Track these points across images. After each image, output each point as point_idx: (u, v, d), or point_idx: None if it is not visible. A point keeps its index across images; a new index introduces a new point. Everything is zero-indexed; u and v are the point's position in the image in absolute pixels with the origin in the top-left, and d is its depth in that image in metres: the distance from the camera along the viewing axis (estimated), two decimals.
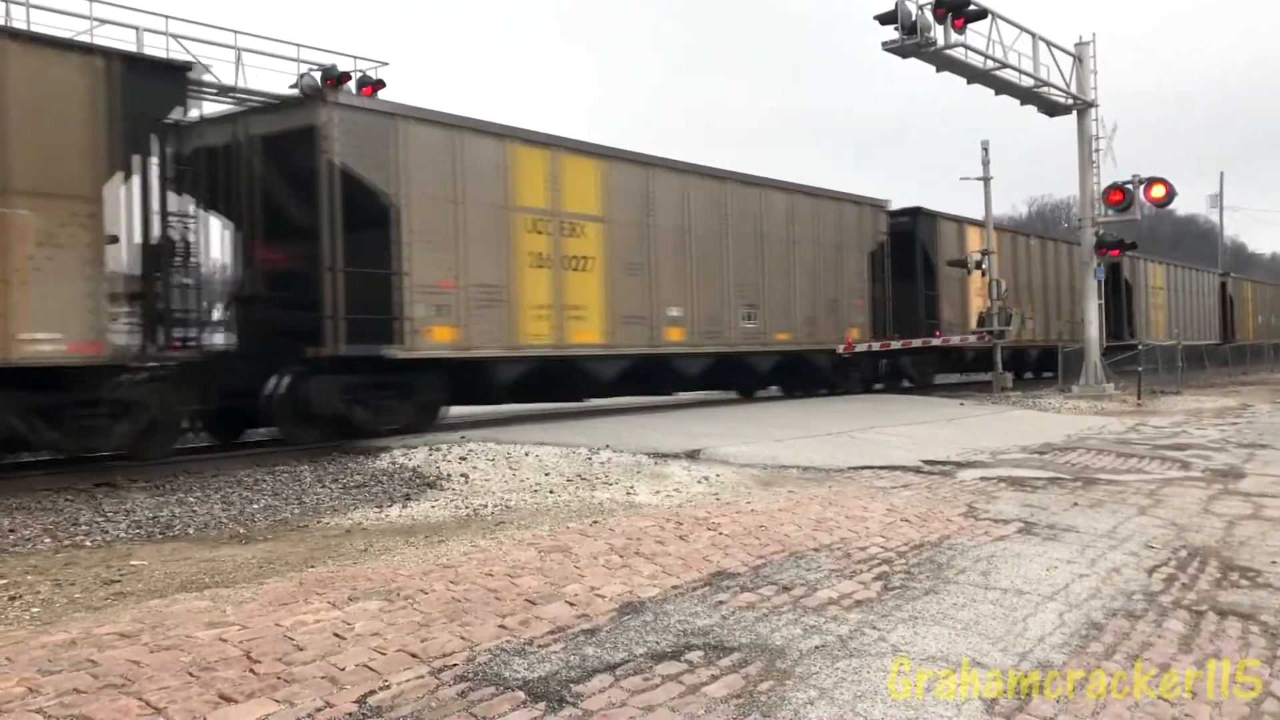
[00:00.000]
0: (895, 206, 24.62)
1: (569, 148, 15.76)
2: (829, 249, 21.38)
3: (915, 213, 24.95)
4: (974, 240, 26.24)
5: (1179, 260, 40.29)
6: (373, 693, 3.89)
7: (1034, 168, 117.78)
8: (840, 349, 21.69)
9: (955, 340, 25.16)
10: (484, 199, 14.16)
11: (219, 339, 13.36)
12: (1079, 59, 24.62)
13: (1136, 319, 34.12)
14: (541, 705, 3.84)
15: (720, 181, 18.81)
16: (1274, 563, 6.63)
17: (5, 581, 5.93)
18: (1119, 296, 32.98)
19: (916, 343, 23.86)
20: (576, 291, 15.51)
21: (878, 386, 23.45)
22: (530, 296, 14.73)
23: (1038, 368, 31.15)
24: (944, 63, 21.04)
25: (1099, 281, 25.58)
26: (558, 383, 15.88)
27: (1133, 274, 34.43)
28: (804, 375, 21.24)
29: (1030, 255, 29.82)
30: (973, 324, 25.70)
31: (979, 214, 26.89)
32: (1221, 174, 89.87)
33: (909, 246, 24.41)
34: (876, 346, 22.75)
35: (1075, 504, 8.69)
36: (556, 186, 15.25)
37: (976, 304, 25.97)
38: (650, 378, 17.59)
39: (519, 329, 14.51)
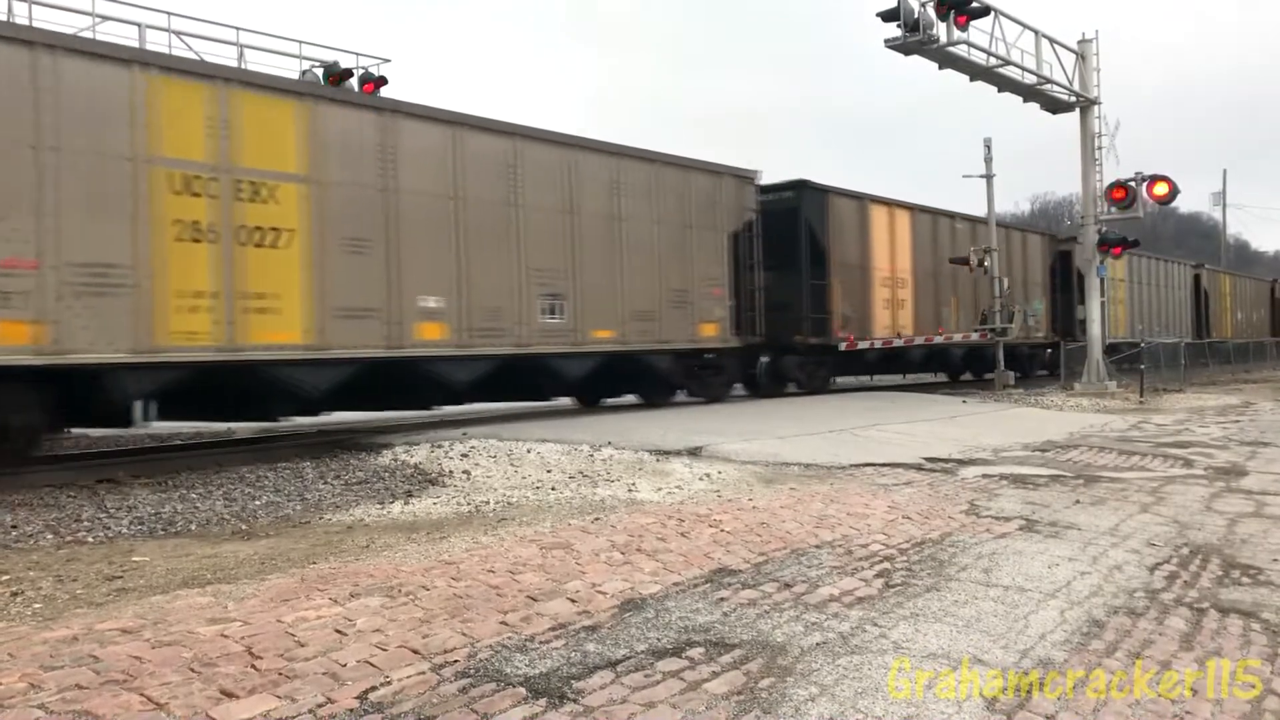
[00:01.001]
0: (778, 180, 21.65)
1: (246, 82, 11.98)
2: (672, 228, 17.40)
3: (800, 187, 21.51)
4: (880, 221, 23.26)
5: (1146, 251, 37.77)
6: (374, 689, 3.89)
7: (1036, 165, 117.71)
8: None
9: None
10: (95, 147, 10.35)
11: None
12: (1082, 56, 24.59)
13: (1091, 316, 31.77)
14: (543, 702, 3.85)
15: (507, 138, 14.64)
16: (1275, 560, 6.62)
17: (8, 578, 5.94)
18: (1070, 290, 30.54)
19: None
20: (260, 275, 11.60)
21: (741, 392, 20.83)
22: (179, 281, 10.91)
23: (967, 367, 28.33)
24: (946, 60, 21.03)
25: (1055, 274, 25.69)
26: (238, 396, 12.11)
27: (1090, 264, 31.98)
28: (640, 381, 17.81)
29: (955, 239, 25.73)
30: (877, 320, 22.80)
31: (981, 210, 26.85)
32: (1225, 171, 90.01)
33: (791, 227, 20.99)
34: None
35: (1077, 501, 8.69)
36: (227, 133, 11.39)
37: (883, 297, 23.03)
38: (398, 388, 13.70)
39: (159, 325, 10.74)
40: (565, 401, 18.09)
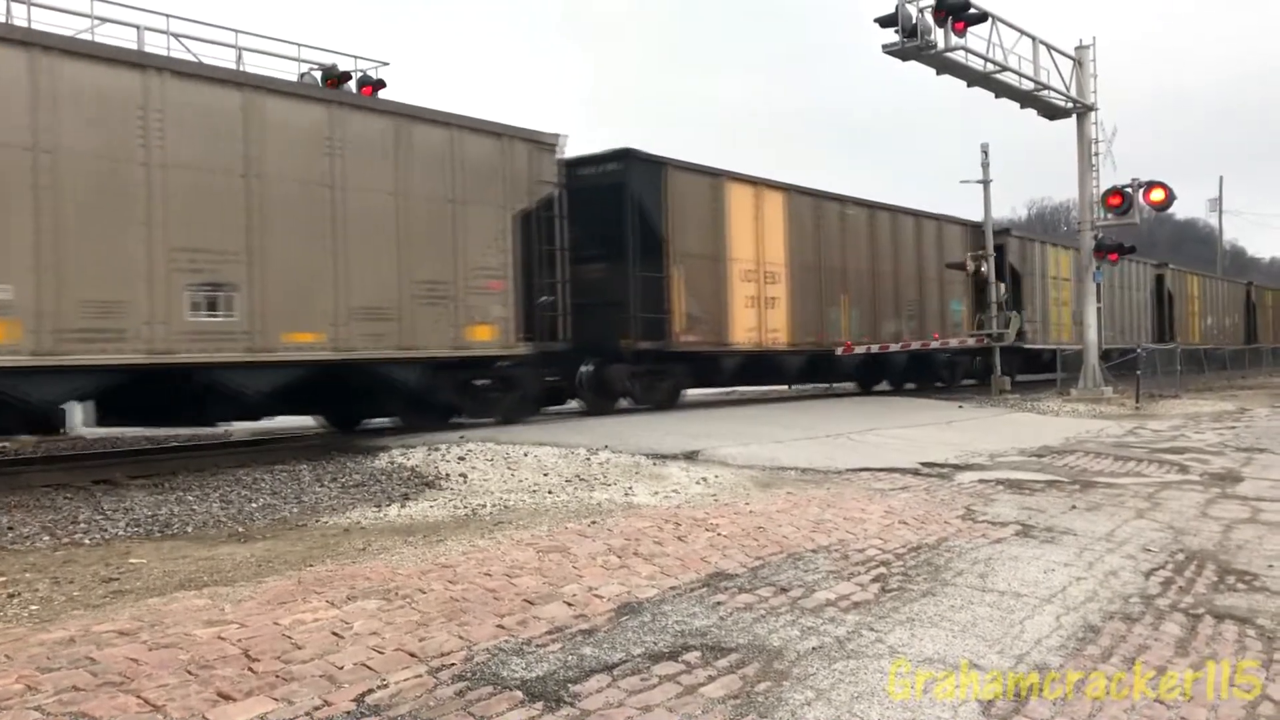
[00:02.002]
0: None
1: None
2: (426, 202, 13.27)
3: (625, 157, 17.22)
4: (742, 203, 19.28)
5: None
6: (371, 691, 3.90)
7: (1033, 170, 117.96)
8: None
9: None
10: None
11: None
12: (1079, 62, 24.66)
13: (1028, 317, 27.68)
14: (539, 705, 3.86)
15: (135, 71, 10.60)
16: (1271, 566, 6.64)
17: (4, 579, 5.94)
18: (1014, 287, 27.41)
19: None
20: None
21: (551, 410, 16.93)
22: None
23: (855, 376, 24.40)
24: (944, 66, 21.06)
25: (1001, 275, 25.40)
26: None
27: (1024, 260, 28.39)
28: (386, 399, 13.82)
29: (846, 228, 22.24)
30: (736, 323, 18.86)
31: (978, 214, 26.84)
32: (1221, 178, 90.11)
33: (615, 208, 16.92)
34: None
35: (1073, 507, 8.70)
36: None
37: (746, 294, 19.19)
38: None
39: None
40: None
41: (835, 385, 25.49)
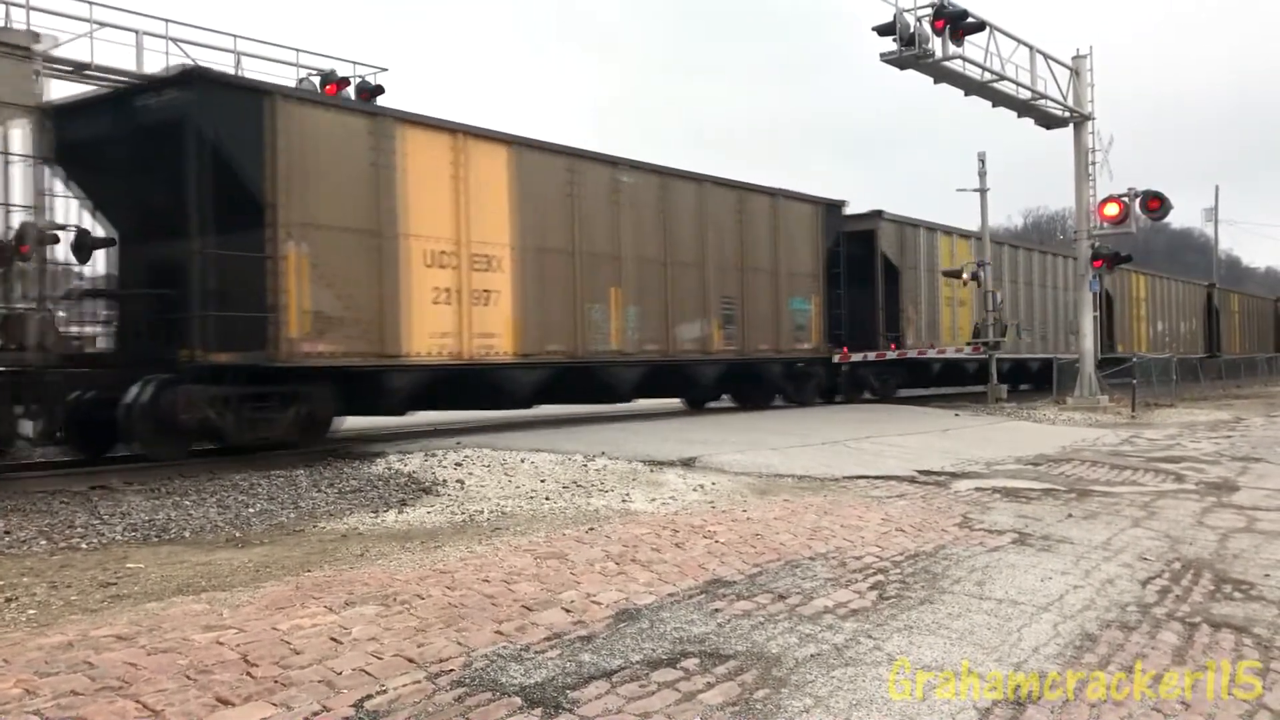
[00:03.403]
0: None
1: None
2: None
3: (193, 81, 11.88)
4: (429, 158, 13.85)
5: (1028, 241, 30.42)
6: (370, 697, 3.90)
7: (1030, 178, 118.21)
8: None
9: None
10: None
11: None
12: (1076, 72, 24.72)
13: (903, 318, 23.71)
14: (538, 711, 3.86)
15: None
16: (1267, 575, 6.65)
17: (1, 583, 5.93)
18: (868, 285, 23.25)
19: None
20: None
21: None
22: None
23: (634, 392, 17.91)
24: (942, 75, 21.13)
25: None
26: None
27: (900, 252, 23.84)
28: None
29: (621, 200, 16.77)
30: (418, 323, 13.47)
31: (974, 224, 26.84)
32: (1216, 188, 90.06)
33: (174, 156, 11.58)
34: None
35: (1070, 515, 8.71)
36: None
37: (436, 284, 13.76)
38: None
39: None
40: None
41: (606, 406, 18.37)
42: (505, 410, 16.41)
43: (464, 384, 14.68)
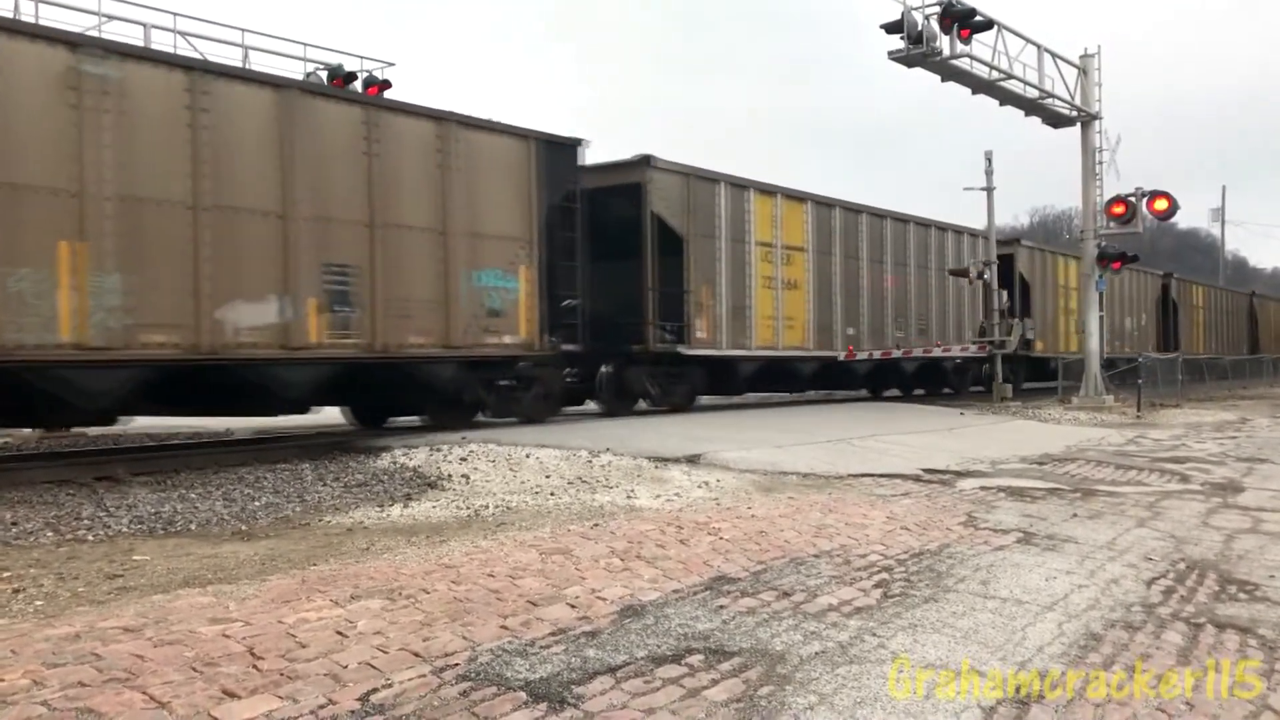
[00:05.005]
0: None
1: None
2: None
3: None
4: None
5: (936, 217, 26.04)
6: (375, 690, 3.91)
7: (1036, 177, 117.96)
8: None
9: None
10: None
11: None
12: (1084, 71, 24.67)
13: (690, 303, 18.17)
14: (543, 706, 3.87)
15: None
16: (1272, 576, 6.65)
17: (9, 574, 5.95)
18: (633, 258, 17.62)
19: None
20: None
21: None
22: None
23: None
24: (949, 73, 21.09)
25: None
26: None
27: (687, 215, 18.17)
28: None
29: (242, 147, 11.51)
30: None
31: (980, 223, 26.75)
32: (1224, 188, 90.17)
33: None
34: (878, 355, 22.77)
35: (1074, 515, 8.71)
36: None
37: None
38: None
39: None
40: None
41: None
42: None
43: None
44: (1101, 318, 26.02)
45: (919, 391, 26.31)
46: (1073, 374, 26.07)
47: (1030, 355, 28.27)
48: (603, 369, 17.47)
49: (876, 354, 22.75)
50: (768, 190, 20.49)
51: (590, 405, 18.33)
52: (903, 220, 24.83)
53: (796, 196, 21.28)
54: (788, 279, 20.81)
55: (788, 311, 20.75)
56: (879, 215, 23.94)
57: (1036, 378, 29.71)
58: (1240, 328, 47.64)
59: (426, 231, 13.57)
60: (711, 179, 19.02)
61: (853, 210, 23.09)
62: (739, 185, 19.68)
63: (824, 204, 22.10)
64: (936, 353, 24.44)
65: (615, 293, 17.24)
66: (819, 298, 21.64)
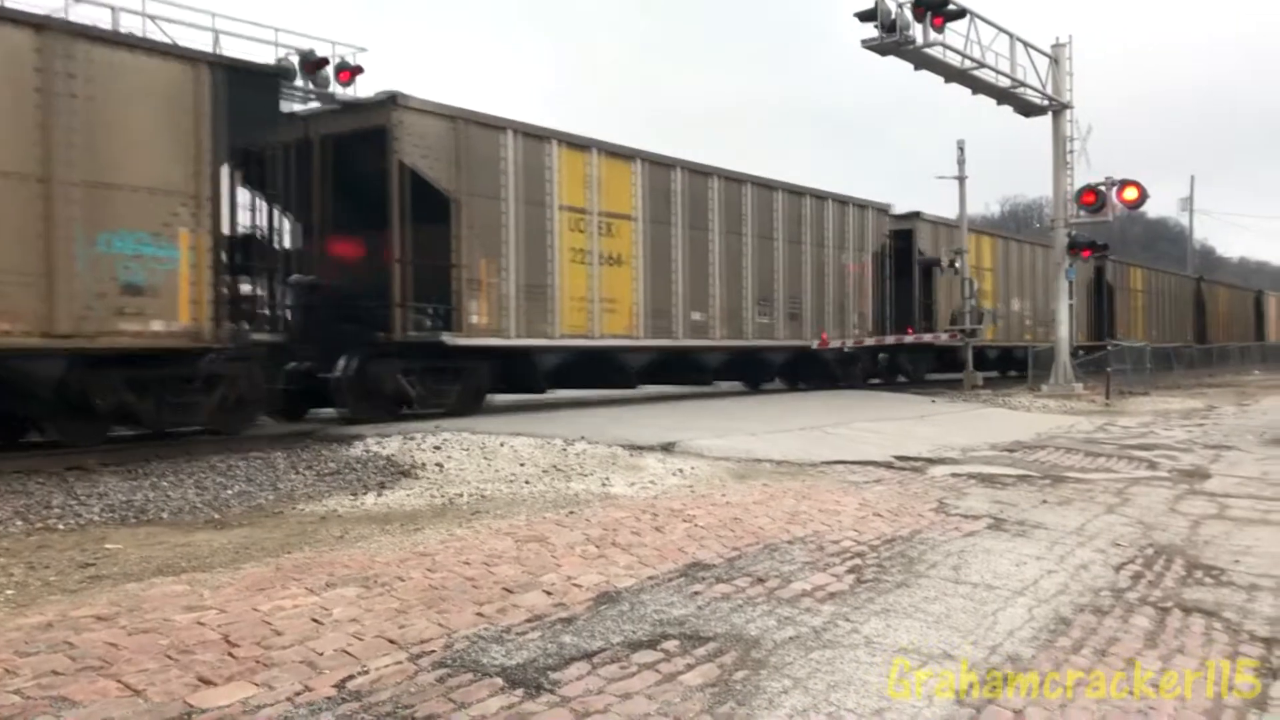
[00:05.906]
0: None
1: None
2: None
3: None
4: None
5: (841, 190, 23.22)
6: (351, 677, 3.91)
7: (1007, 167, 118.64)
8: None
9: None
10: None
11: None
12: (1055, 60, 24.85)
13: (460, 278, 14.33)
14: (519, 692, 3.88)
15: None
16: (1237, 561, 6.75)
17: None
18: (434, 223, 14.29)
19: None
20: None
21: None
22: None
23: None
24: (922, 61, 21.18)
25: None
26: None
27: (458, 170, 14.32)
28: None
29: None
30: None
31: (951, 211, 26.89)
32: (1192, 178, 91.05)
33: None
34: (850, 345, 22.86)
35: (1044, 501, 8.81)
36: None
37: None
38: None
39: None
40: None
41: None
42: None
43: None
44: (1071, 305, 26.26)
45: (773, 384, 23.26)
46: (987, 363, 24.74)
47: (936, 345, 25.18)
48: (340, 364, 13.62)
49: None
50: (580, 145, 16.56)
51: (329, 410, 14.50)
52: (768, 186, 20.91)
53: (622, 154, 17.42)
54: (609, 253, 16.99)
55: (609, 292, 16.93)
56: (737, 180, 20.08)
57: (948, 368, 26.66)
58: (1185, 315, 44.49)
59: (12, 177, 9.82)
60: (494, 125, 15.09)
61: (700, 173, 19.15)
62: (536, 136, 15.75)
63: (661, 164, 18.20)
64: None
65: (364, 268, 14.18)
66: (654, 276, 17.87)
